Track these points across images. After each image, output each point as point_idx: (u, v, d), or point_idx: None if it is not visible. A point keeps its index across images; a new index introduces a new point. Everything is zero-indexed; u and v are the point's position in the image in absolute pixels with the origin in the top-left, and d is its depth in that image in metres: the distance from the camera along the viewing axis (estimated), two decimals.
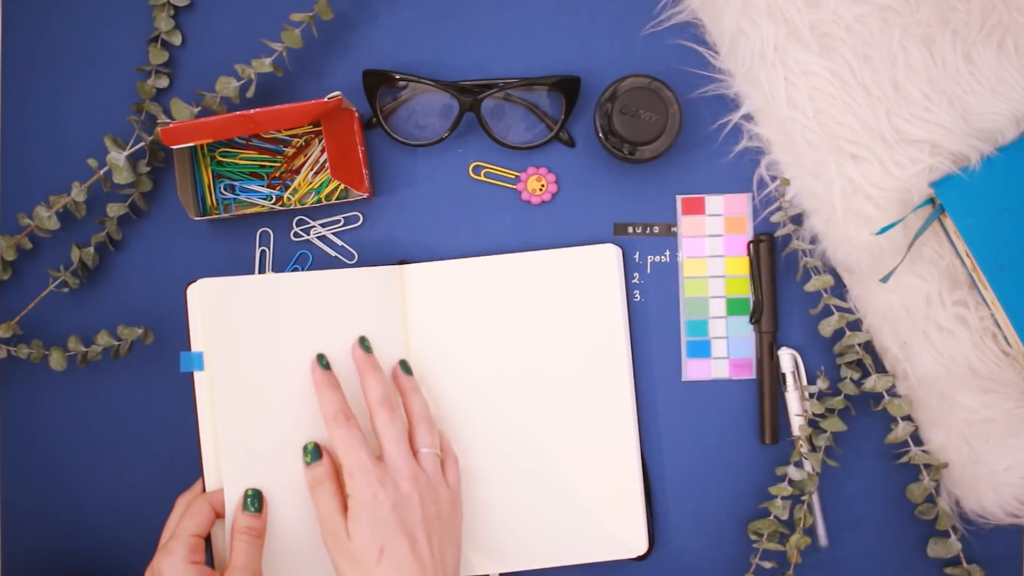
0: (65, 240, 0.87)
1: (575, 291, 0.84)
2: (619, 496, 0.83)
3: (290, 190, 0.87)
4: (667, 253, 0.87)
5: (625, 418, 0.83)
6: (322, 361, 0.78)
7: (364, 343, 0.80)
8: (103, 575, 0.87)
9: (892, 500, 0.85)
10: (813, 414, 0.83)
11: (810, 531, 0.85)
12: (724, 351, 0.86)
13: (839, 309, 0.84)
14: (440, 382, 0.83)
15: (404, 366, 0.81)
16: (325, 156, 0.86)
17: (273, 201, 0.87)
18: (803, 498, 0.83)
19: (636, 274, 0.87)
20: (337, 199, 0.86)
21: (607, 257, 0.84)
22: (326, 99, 0.80)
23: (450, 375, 0.83)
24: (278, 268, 0.87)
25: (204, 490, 0.76)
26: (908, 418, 0.84)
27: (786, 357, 0.85)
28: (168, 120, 0.82)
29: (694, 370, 0.86)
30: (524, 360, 0.84)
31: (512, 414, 0.83)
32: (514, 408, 0.83)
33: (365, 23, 0.87)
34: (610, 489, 0.83)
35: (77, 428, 0.87)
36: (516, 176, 0.87)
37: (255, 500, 0.75)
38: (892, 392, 0.84)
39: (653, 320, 0.86)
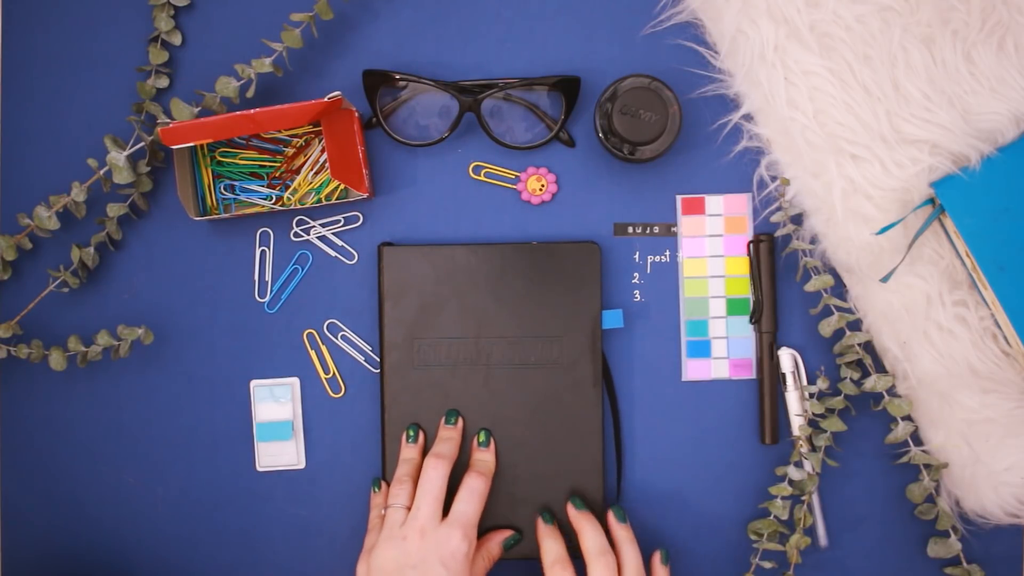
0: (65, 240, 0.87)
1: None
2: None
3: (290, 190, 0.87)
4: (667, 253, 0.87)
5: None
6: (545, 517, 0.82)
7: (576, 502, 0.82)
8: (103, 575, 0.87)
9: (892, 500, 0.85)
10: (813, 414, 0.83)
11: (810, 531, 0.85)
12: (724, 351, 0.86)
13: (839, 309, 0.84)
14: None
15: (618, 513, 0.82)
16: (325, 156, 0.86)
17: (273, 201, 0.87)
18: (803, 498, 0.83)
19: (636, 274, 0.87)
20: (337, 199, 0.86)
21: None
22: (326, 99, 0.80)
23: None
24: (278, 268, 0.87)
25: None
26: (908, 418, 0.84)
27: (786, 357, 0.85)
28: (168, 120, 0.82)
29: (694, 370, 0.86)
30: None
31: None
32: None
33: (365, 23, 0.87)
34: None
35: (77, 428, 0.87)
36: (516, 176, 0.87)
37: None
38: (892, 392, 0.84)
39: (653, 320, 0.86)
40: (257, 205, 0.87)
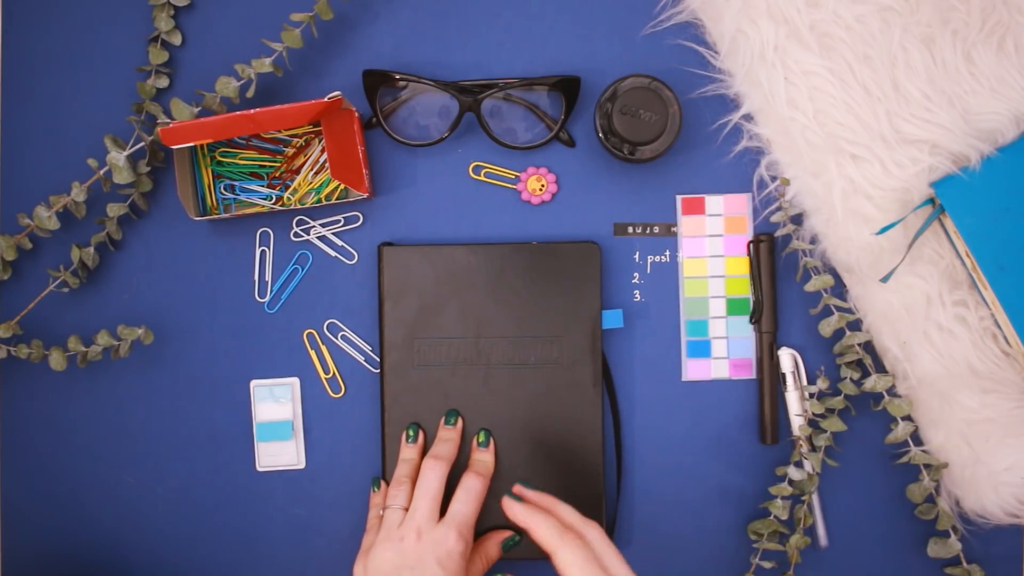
0: (65, 240, 0.87)
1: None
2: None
3: (290, 190, 0.87)
4: (667, 253, 0.87)
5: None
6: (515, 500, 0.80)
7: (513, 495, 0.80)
8: (103, 575, 0.87)
9: (892, 500, 0.85)
10: (813, 414, 0.83)
11: (810, 531, 0.85)
12: (724, 351, 0.86)
13: (839, 309, 0.84)
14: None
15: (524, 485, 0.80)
16: (325, 156, 0.86)
17: (273, 201, 0.87)
18: (803, 498, 0.83)
19: (636, 274, 0.87)
20: (337, 199, 0.86)
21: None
22: (326, 99, 0.80)
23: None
24: (278, 268, 0.87)
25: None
26: (908, 418, 0.84)
27: (786, 357, 0.85)
28: (168, 120, 0.82)
29: (694, 370, 0.86)
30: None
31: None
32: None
33: (365, 23, 0.87)
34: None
35: (77, 428, 0.87)
36: (516, 176, 0.87)
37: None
38: (892, 392, 0.84)
39: (653, 320, 0.86)
40: (257, 205, 0.87)
